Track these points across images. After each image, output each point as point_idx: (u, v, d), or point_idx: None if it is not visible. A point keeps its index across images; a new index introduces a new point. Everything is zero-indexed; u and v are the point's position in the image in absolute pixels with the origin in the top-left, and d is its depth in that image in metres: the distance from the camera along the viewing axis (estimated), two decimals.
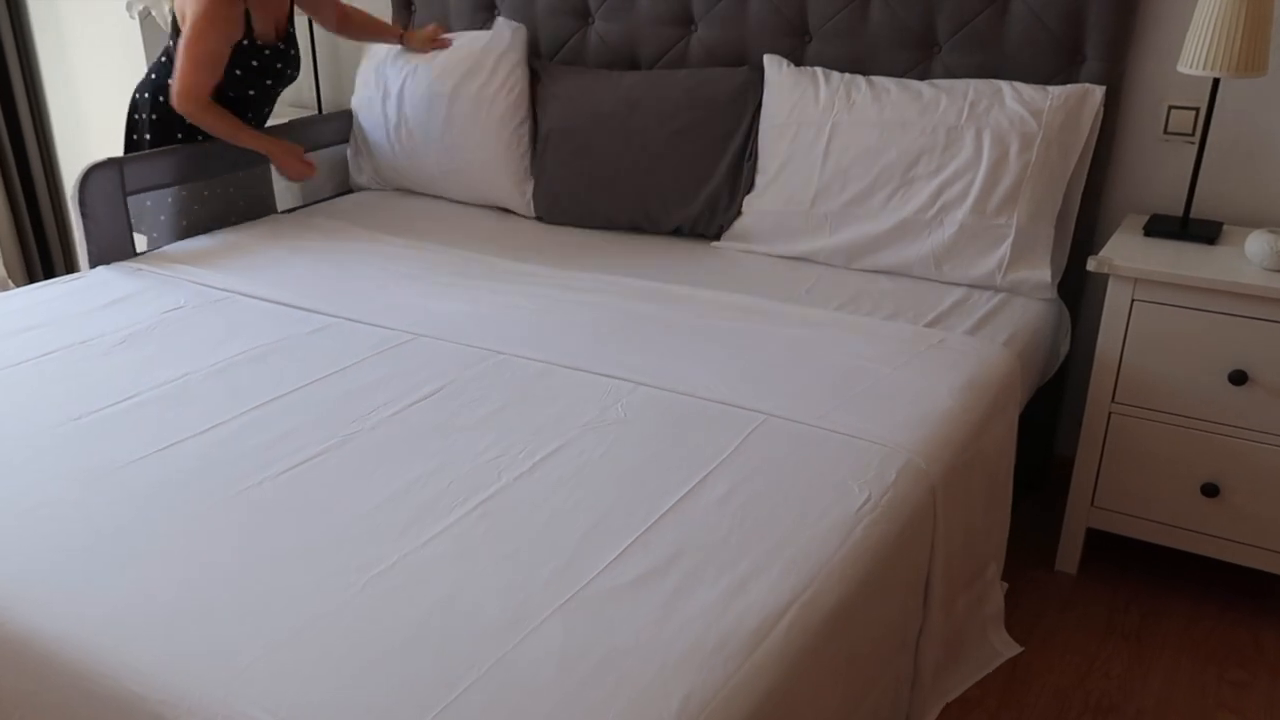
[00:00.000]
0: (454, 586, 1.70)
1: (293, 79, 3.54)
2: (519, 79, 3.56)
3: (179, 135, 3.38)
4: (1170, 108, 3.03)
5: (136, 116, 3.47)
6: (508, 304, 2.83)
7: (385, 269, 3.10)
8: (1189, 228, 2.90)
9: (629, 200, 3.37)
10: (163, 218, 3.34)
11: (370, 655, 1.56)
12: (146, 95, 3.42)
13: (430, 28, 3.70)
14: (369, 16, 3.74)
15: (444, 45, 3.66)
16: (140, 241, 3.32)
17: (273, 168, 3.57)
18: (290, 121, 3.85)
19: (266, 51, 3.34)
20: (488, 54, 3.56)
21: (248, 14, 3.24)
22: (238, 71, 3.31)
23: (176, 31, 3.27)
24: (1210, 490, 2.77)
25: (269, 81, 3.42)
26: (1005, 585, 2.71)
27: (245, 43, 3.27)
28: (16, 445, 2.14)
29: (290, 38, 3.45)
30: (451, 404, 2.31)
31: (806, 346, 2.57)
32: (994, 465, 2.47)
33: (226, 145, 3.39)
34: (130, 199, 3.23)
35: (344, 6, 3.67)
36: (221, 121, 3.28)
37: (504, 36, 3.58)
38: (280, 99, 4.16)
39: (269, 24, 3.34)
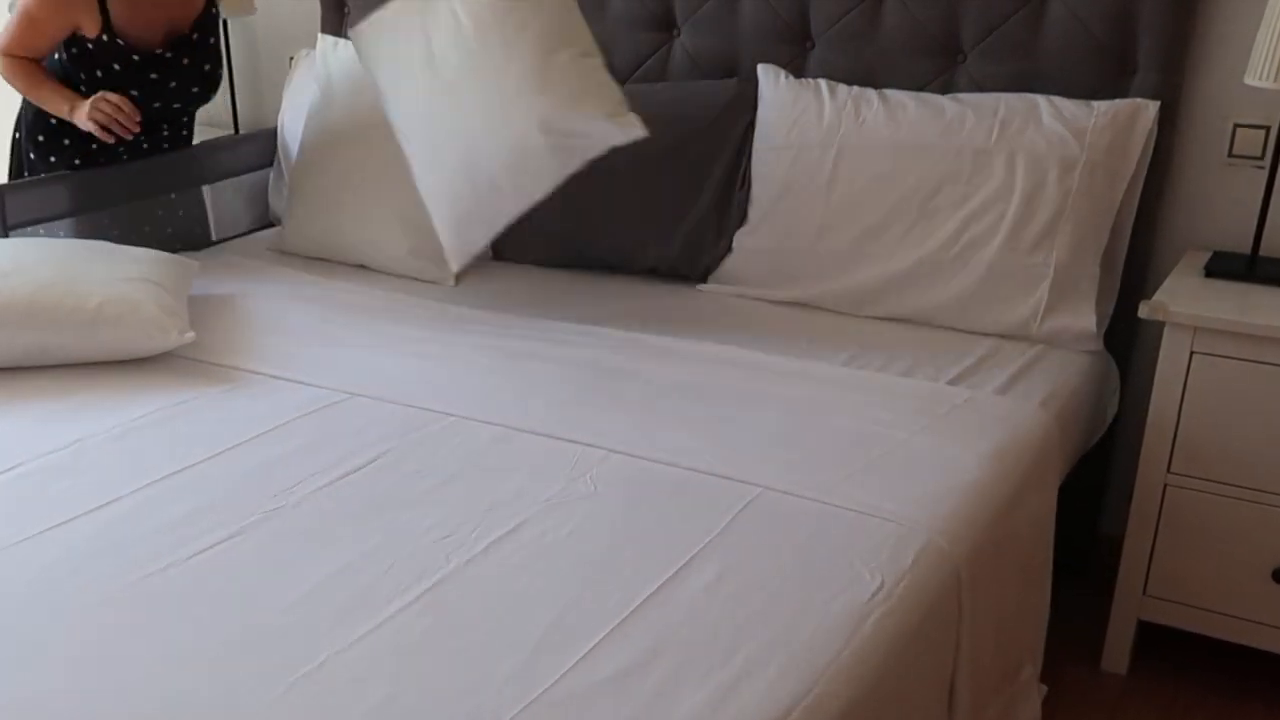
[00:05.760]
0: (394, 689, 1.71)
1: (190, 97, 3.56)
2: None
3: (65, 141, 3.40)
4: (1236, 126, 3.09)
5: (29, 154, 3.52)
6: (457, 357, 2.86)
7: (314, 316, 3.14)
8: (1258, 267, 2.95)
9: (598, 235, 3.42)
10: None
11: None
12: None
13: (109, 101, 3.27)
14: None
15: (118, 127, 3.30)
16: None
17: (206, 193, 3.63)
18: (200, 143, 3.88)
19: (135, 56, 3.35)
20: None
21: (103, 2, 3.28)
22: (98, 73, 3.34)
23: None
24: None
25: (135, 93, 3.37)
26: (1043, 688, 2.73)
27: (104, 38, 3.30)
28: None
29: (188, 45, 3.46)
30: (391, 475, 2.33)
31: (809, 408, 2.61)
32: (1029, 546, 2.51)
33: (129, 170, 3.43)
34: (15, 234, 3.24)
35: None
36: (20, 73, 3.32)
37: None
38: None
39: (148, 24, 3.36)
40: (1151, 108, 2.98)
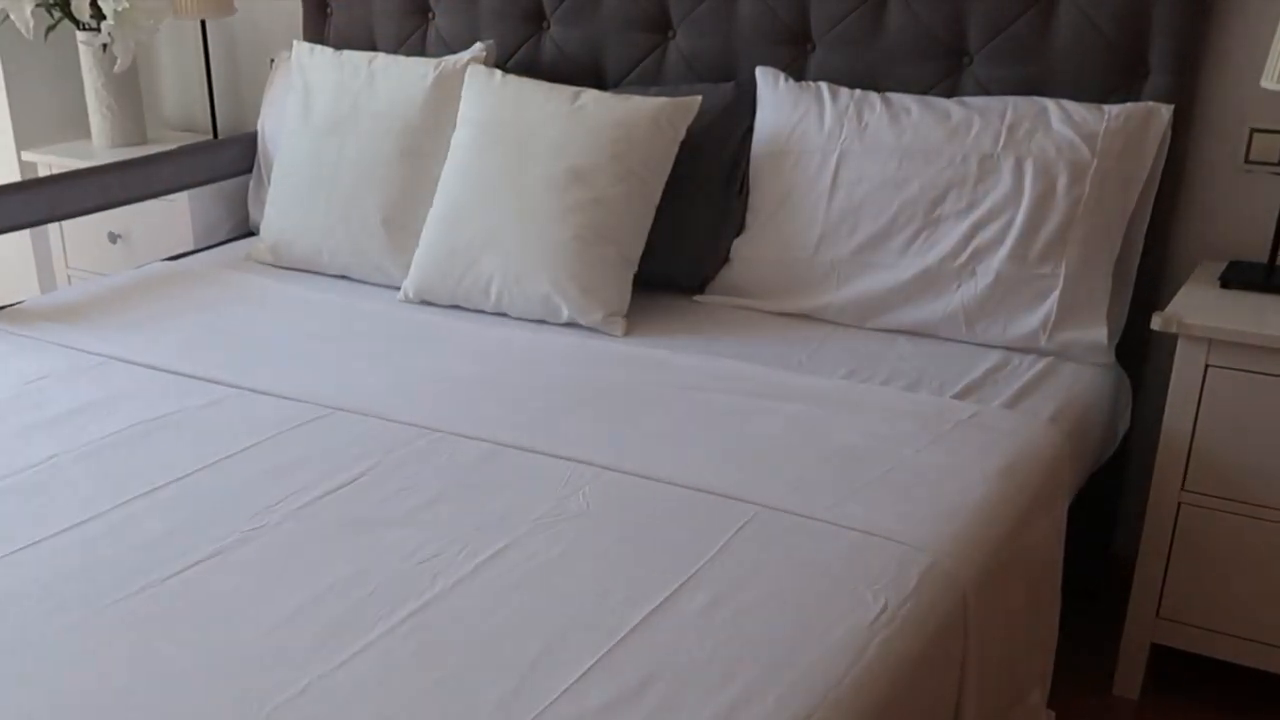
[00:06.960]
0: (379, 716, 1.72)
1: None
2: None
3: None
4: (1253, 131, 3.09)
5: None
6: (443, 371, 2.87)
7: (294, 328, 3.14)
8: (1276, 277, 2.95)
9: None
10: None
11: None
12: None
13: None
14: None
15: None
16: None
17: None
18: (180, 148, 3.88)
19: None
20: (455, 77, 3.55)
21: None
22: None
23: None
24: None
25: None
26: (1052, 714, 2.73)
27: None
28: None
29: None
30: (375, 494, 2.33)
31: (809, 423, 2.61)
32: (1038, 567, 2.51)
33: (107, 177, 3.43)
34: None
35: None
36: None
37: (479, 57, 3.59)
38: (166, 120, 4.18)
39: None
40: (1165, 111, 2.98)
